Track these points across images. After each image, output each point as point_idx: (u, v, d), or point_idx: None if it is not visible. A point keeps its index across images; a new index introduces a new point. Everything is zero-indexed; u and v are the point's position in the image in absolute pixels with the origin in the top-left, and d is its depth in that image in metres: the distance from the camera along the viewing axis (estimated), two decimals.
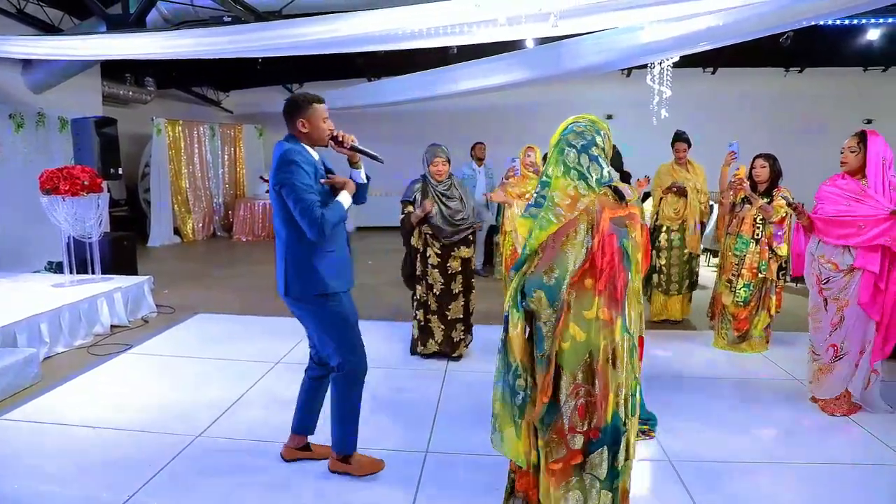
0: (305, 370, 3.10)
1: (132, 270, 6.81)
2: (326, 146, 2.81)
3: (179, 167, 11.31)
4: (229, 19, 6.61)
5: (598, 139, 2.13)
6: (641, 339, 2.23)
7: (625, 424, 2.10)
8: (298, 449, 3.12)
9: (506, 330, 2.13)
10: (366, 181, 2.94)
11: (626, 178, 7.53)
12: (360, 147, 2.84)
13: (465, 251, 4.50)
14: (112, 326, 5.42)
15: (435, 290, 4.51)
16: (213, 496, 2.79)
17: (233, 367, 4.49)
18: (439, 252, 4.46)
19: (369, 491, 2.85)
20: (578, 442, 2.07)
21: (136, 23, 6.22)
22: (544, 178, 2.13)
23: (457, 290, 4.51)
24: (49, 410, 3.72)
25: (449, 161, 4.47)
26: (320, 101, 2.81)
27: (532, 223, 2.09)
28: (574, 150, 2.09)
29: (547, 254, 2.04)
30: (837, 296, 3.67)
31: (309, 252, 2.73)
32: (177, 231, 11.28)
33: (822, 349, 3.75)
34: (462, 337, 4.61)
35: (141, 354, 4.81)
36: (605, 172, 2.09)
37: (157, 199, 10.78)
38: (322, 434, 3.11)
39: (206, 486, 2.89)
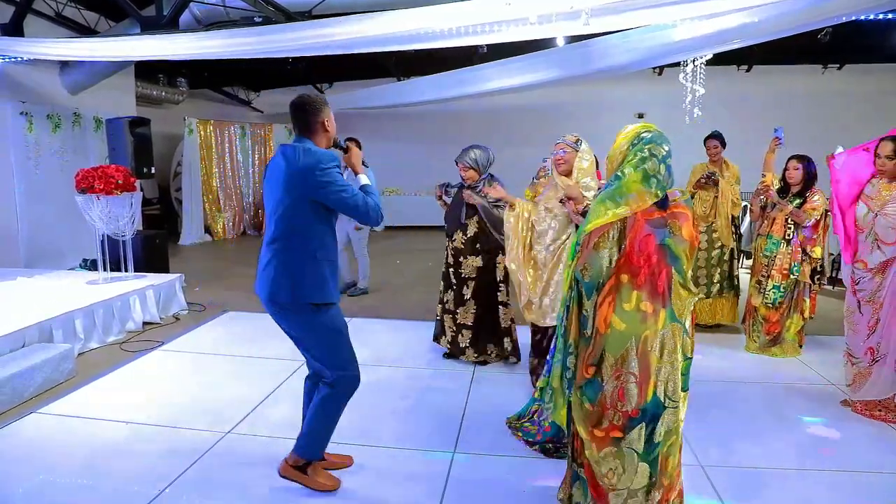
0: (306, 378, 2.97)
1: (164, 268, 6.92)
2: (334, 148, 2.79)
3: (210, 166, 11.49)
4: (260, 20, 6.67)
5: (669, 149, 2.27)
6: (693, 316, 2.36)
7: (665, 405, 2.26)
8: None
9: (566, 314, 2.39)
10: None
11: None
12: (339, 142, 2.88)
13: (472, 259, 4.30)
14: (144, 323, 5.51)
15: (451, 291, 4.45)
16: (242, 493, 2.81)
17: (262, 365, 4.54)
18: (453, 252, 4.40)
19: (397, 490, 2.85)
20: (618, 419, 2.27)
21: (169, 24, 6.31)
22: (618, 174, 2.27)
23: (467, 296, 4.34)
24: (83, 405, 3.80)
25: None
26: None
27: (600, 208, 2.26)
28: (655, 160, 2.22)
29: (583, 254, 2.27)
30: (871, 297, 3.58)
31: (314, 259, 2.63)
32: (208, 229, 11.45)
33: (860, 352, 3.65)
34: (468, 344, 4.40)
35: (172, 351, 4.88)
36: (671, 180, 2.25)
37: (189, 198, 10.97)
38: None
39: (234, 482, 2.91)
